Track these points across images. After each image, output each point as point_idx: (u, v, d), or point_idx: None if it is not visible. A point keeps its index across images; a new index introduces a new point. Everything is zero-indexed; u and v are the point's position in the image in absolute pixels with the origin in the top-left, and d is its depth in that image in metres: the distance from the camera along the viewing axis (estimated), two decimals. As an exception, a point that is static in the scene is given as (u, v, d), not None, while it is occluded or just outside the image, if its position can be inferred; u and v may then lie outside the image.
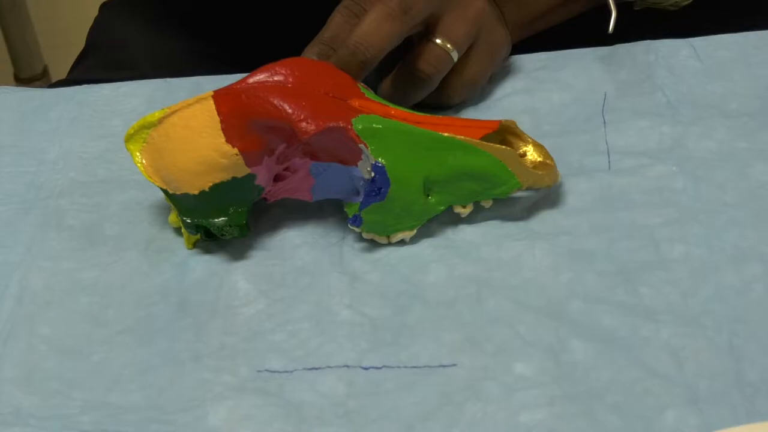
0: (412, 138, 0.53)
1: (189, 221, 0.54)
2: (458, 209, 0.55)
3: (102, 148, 0.62)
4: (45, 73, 1.67)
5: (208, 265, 0.55)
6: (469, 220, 0.55)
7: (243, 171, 0.53)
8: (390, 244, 0.54)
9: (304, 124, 0.52)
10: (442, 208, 0.54)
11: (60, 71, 1.29)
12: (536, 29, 0.66)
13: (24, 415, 0.49)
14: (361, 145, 0.52)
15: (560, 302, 0.51)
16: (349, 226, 0.54)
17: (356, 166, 0.53)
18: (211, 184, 0.53)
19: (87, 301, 0.54)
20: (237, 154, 0.52)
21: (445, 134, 0.53)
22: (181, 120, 0.53)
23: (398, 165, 0.53)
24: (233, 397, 0.49)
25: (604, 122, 0.60)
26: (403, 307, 0.52)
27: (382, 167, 0.52)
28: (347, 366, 0.49)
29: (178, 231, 0.57)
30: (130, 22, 0.82)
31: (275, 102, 0.52)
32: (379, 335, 0.51)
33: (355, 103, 0.54)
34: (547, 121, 0.60)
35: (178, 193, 0.53)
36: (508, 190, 0.54)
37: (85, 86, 0.67)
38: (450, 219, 0.55)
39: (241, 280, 0.54)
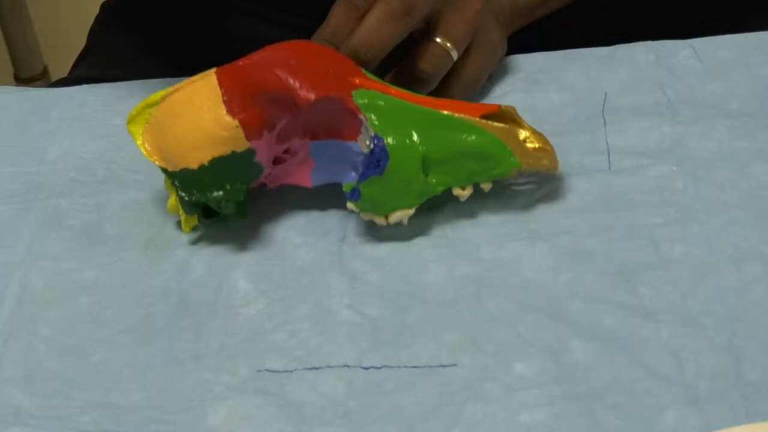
0: (411, 115, 0.54)
1: (187, 198, 0.54)
2: (457, 191, 0.54)
3: (102, 148, 0.62)
4: (45, 73, 1.67)
5: (208, 265, 0.55)
6: (470, 220, 0.55)
7: (243, 145, 0.53)
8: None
9: (304, 92, 0.53)
10: (441, 188, 0.54)
11: (60, 71, 1.29)
12: (536, 16, 0.66)
13: (24, 415, 0.49)
14: (361, 116, 0.53)
15: (560, 302, 0.51)
16: (347, 204, 0.54)
17: (356, 141, 0.53)
18: (210, 158, 0.53)
19: (87, 301, 0.54)
20: (237, 127, 0.53)
21: (445, 112, 0.54)
22: (184, 96, 0.54)
23: (398, 140, 0.53)
24: (233, 397, 0.49)
25: (604, 122, 0.60)
26: (403, 307, 0.52)
27: (382, 139, 0.53)
28: (347, 366, 0.49)
29: (178, 231, 0.57)
30: (130, 22, 0.82)
31: (278, 73, 0.53)
32: (379, 335, 0.51)
33: (356, 80, 0.55)
34: (547, 121, 0.60)
35: (178, 169, 0.54)
36: (508, 169, 0.54)
37: (85, 86, 0.67)
38: (450, 219, 0.55)
39: (241, 280, 0.54)
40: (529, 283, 0.52)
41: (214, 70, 0.54)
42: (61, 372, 0.51)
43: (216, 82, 0.53)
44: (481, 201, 0.56)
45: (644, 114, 0.60)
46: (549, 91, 0.62)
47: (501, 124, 0.54)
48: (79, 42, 0.84)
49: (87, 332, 0.52)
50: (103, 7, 0.85)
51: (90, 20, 0.85)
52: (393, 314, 0.51)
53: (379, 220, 0.54)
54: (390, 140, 0.53)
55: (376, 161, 0.53)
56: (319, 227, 0.56)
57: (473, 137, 0.54)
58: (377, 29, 0.56)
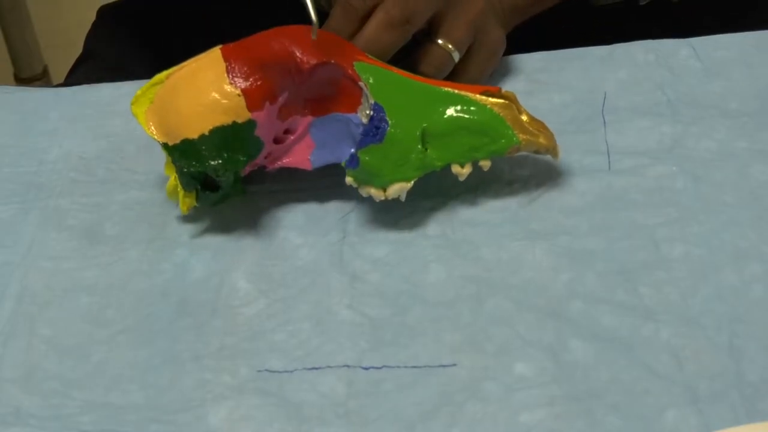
0: (412, 89, 0.54)
1: (186, 169, 0.54)
2: (456, 169, 0.54)
3: (102, 148, 0.62)
4: (45, 73, 1.67)
5: (208, 265, 0.55)
6: (470, 220, 0.55)
7: (244, 115, 0.53)
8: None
9: (306, 56, 0.54)
10: (440, 164, 0.54)
11: (60, 71, 1.29)
12: (533, 13, 0.66)
13: (24, 415, 0.49)
14: (361, 84, 0.53)
15: (560, 302, 0.51)
16: (346, 178, 0.54)
17: (356, 113, 0.54)
18: (211, 127, 0.53)
19: (87, 301, 0.54)
20: (239, 95, 0.53)
21: (445, 88, 0.54)
22: (188, 72, 0.55)
23: (397, 110, 0.53)
24: (233, 397, 0.49)
25: (604, 122, 0.60)
26: (403, 307, 0.52)
27: (381, 108, 0.53)
28: (347, 366, 0.49)
29: (178, 231, 0.57)
30: (127, 28, 0.82)
31: (281, 41, 0.54)
32: (379, 335, 0.51)
33: (358, 56, 0.56)
34: (547, 121, 0.60)
35: (178, 140, 0.54)
36: (507, 144, 0.54)
37: (85, 86, 0.67)
38: (450, 219, 0.55)
39: (241, 280, 0.54)
40: (529, 283, 0.52)
41: (219, 47, 0.55)
42: (61, 372, 0.51)
43: (220, 56, 0.54)
44: (481, 201, 0.56)
45: (644, 114, 0.60)
46: (549, 91, 0.62)
47: (500, 100, 0.55)
48: (80, 42, 0.83)
49: (87, 332, 0.52)
50: (100, 12, 0.85)
51: (90, 20, 0.84)
52: (393, 314, 0.51)
53: (378, 194, 0.54)
54: (389, 109, 0.53)
55: (375, 128, 0.53)
56: (319, 227, 0.56)
57: (473, 111, 0.54)
58: (377, 37, 0.57)
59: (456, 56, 0.59)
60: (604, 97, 0.61)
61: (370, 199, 0.56)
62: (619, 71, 0.63)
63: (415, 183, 0.54)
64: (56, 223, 0.58)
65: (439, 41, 0.59)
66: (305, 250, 0.55)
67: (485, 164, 0.55)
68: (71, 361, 0.51)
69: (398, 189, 0.54)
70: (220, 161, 0.53)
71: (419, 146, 0.53)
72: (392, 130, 0.53)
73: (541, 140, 0.55)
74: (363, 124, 0.54)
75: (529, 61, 0.65)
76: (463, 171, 0.54)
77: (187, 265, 0.55)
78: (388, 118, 0.53)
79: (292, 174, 0.58)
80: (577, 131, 0.59)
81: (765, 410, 0.46)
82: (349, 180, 0.54)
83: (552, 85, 0.63)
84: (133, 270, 0.55)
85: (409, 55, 0.60)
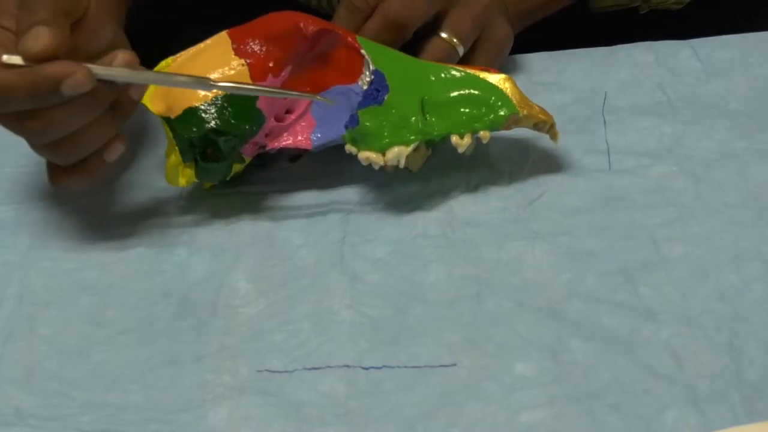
0: (412, 64, 0.56)
1: (186, 136, 0.54)
2: (456, 140, 0.54)
3: (102, 148, 0.62)
4: (45, 73, 1.67)
5: (208, 265, 0.55)
6: (470, 220, 0.55)
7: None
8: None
9: (309, 24, 0.55)
10: (439, 131, 0.54)
11: (60, 71, 1.29)
12: (538, 17, 0.66)
13: (24, 415, 0.49)
14: (363, 52, 0.55)
15: (560, 302, 0.51)
16: (346, 146, 0.55)
17: (357, 83, 0.55)
18: (214, 95, 0.54)
19: (87, 301, 0.54)
20: (243, 65, 0.54)
21: (446, 65, 0.56)
22: (196, 52, 0.56)
23: (397, 80, 0.55)
24: (233, 397, 0.49)
25: (605, 122, 0.60)
26: (403, 307, 0.52)
27: (383, 75, 0.54)
28: (347, 366, 0.49)
29: (178, 231, 0.56)
30: (127, 27, 0.81)
31: (287, 15, 0.56)
32: (379, 335, 0.51)
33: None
34: (547, 121, 0.60)
35: (181, 111, 0.54)
36: (507, 115, 0.54)
37: (85, 86, 0.67)
38: (450, 219, 0.55)
39: (241, 280, 0.54)
40: (529, 283, 0.52)
41: (226, 30, 0.56)
42: (61, 372, 0.51)
43: (227, 37, 0.55)
44: (481, 202, 0.56)
45: (644, 114, 0.60)
46: (550, 92, 0.62)
47: (500, 75, 0.55)
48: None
49: (87, 332, 0.52)
50: None
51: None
52: (393, 314, 0.51)
53: (377, 159, 0.54)
54: (390, 76, 0.54)
55: (376, 91, 0.54)
56: (319, 227, 0.56)
57: (472, 82, 0.55)
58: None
59: (460, 50, 0.59)
60: (605, 97, 0.61)
61: (370, 199, 0.56)
62: (619, 72, 0.63)
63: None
64: (56, 223, 0.58)
65: (443, 35, 0.59)
66: (305, 250, 0.55)
67: (485, 135, 0.54)
68: (71, 361, 0.51)
69: (397, 153, 0.54)
70: (220, 122, 0.54)
71: (419, 111, 0.54)
72: (392, 95, 0.54)
73: (541, 116, 0.55)
74: (363, 91, 0.54)
75: (530, 61, 0.65)
76: (462, 142, 0.54)
77: (187, 265, 0.55)
78: (388, 83, 0.54)
79: (292, 174, 0.58)
80: (578, 131, 0.59)
81: (765, 410, 0.46)
82: (348, 147, 0.55)
83: (553, 85, 0.63)
84: (133, 270, 0.55)
85: (413, 48, 0.60)
